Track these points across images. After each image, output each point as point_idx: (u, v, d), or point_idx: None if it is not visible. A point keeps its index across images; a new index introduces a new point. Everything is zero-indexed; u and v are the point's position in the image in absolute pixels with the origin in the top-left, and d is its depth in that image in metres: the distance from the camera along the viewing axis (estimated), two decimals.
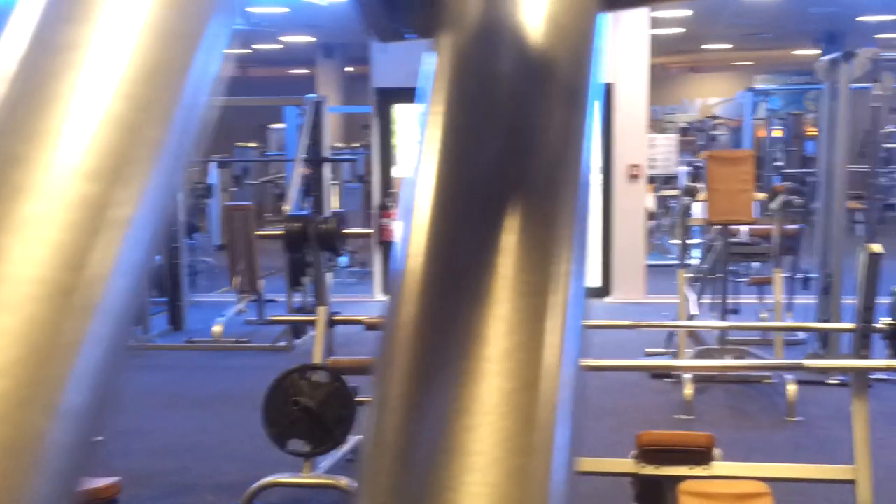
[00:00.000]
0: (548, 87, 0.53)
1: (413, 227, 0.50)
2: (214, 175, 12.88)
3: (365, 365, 3.28)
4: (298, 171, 8.41)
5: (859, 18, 15.69)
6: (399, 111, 10.88)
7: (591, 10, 0.55)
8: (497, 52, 0.53)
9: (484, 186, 0.51)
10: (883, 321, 3.32)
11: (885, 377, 6.95)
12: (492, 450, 0.45)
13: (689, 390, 6.37)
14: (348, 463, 5.20)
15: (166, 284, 9.26)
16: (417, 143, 0.53)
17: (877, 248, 3.34)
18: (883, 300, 3.71)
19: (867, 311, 3.37)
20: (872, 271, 3.34)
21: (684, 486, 3.03)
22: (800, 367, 4.34)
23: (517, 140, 0.51)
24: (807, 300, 7.93)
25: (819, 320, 7.28)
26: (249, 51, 20.47)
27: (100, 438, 0.41)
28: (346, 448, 5.04)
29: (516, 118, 0.52)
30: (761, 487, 2.99)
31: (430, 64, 0.54)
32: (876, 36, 17.56)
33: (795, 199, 7.39)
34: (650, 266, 10.81)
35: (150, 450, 5.78)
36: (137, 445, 5.73)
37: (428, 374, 0.48)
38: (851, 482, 3.30)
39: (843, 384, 6.10)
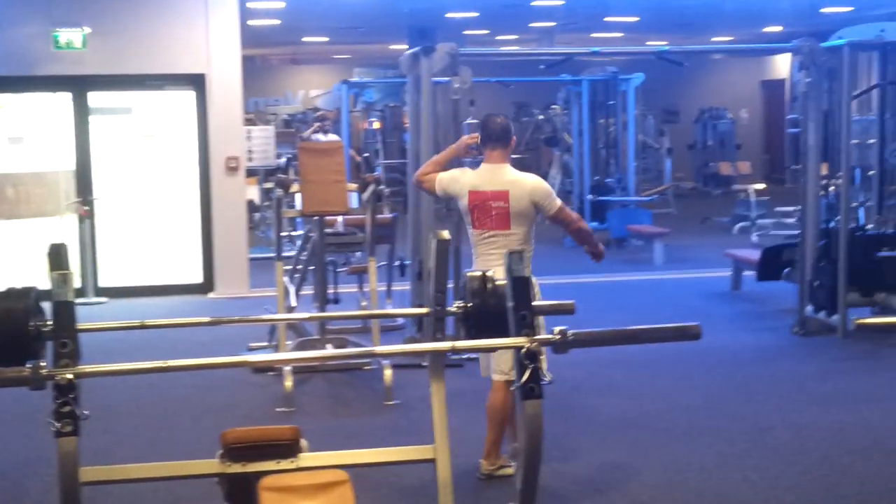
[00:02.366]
0: None
1: None
2: None
3: None
4: None
5: (448, 15, 16.47)
6: None
7: None
8: None
9: None
10: (456, 304, 3.44)
11: (475, 357, 7.33)
12: None
13: (289, 382, 6.37)
14: None
15: None
16: None
17: (445, 234, 3.46)
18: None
19: (439, 295, 3.48)
20: (442, 257, 3.45)
21: (264, 481, 2.97)
22: (372, 354, 4.45)
23: None
24: (405, 287, 8.21)
25: (414, 305, 7.55)
26: None
27: None
28: None
29: None
30: (341, 476, 3.00)
31: None
32: (465, 32, 18.58)
33: (384, 189, 7.61)
34: (255, 259, 10.75)
35: None
36: None
37: None
38: (432, 461, 3.39)
39: None
